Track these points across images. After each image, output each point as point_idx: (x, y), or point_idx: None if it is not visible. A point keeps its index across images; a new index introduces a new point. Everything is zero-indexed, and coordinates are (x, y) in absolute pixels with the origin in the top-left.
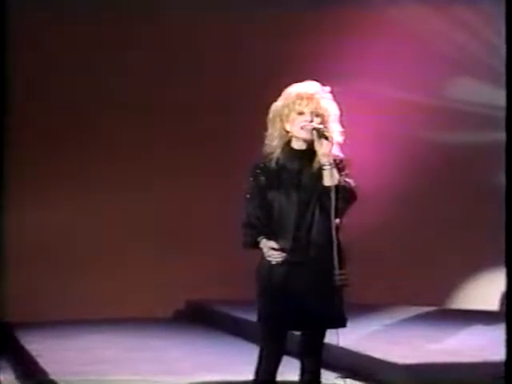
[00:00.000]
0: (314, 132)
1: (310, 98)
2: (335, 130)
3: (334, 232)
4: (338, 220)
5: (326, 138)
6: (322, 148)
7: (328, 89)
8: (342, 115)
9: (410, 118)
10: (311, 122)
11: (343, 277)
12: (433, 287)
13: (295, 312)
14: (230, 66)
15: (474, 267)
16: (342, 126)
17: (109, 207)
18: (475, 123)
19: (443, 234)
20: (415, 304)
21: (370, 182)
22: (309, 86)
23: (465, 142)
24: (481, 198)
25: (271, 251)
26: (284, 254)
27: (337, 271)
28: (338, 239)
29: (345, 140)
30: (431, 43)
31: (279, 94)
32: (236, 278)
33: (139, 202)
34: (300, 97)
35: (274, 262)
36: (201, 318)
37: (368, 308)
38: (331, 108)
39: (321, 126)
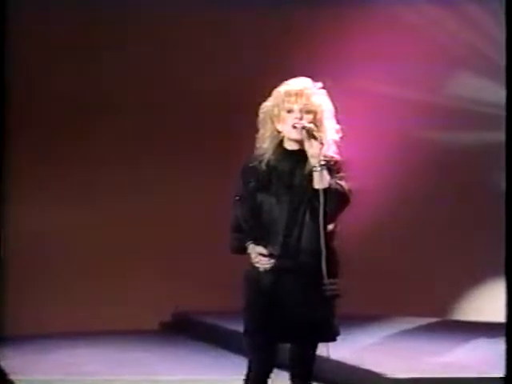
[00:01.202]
0: (304, 131)
1: (299, 93)
2: (329, 128)
3: (322, 238)
4: (331, 226)
5: (315, 138)
6: (311, 148)
7: (320, 84)
8: (337, 113)
9: (408, 117)
10: (301, 119)
11: (333, 287)
12: (432, 297)
13: (284, 323)
14: (229, 66)
15: (474, 277)
16: (338, 123)
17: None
18: (476, 122)
19: (443, 242)
20: (414, 315)
21: (368, 183)
22: (298, 82)
23: (465, 142)
24: (481, 201)
25: (259, 257)
26: (273, 261)
27: (326, 281)
28: (330, 246)
29: (341, 139)
30: (431, 40)
31: None
32: (224, 287)
33: (129, 212)
34: (288, 94)
35: (261, 269)
36: (188, 329)
37: (365, 319)
38: (324, 104)
39: (310, 125)
